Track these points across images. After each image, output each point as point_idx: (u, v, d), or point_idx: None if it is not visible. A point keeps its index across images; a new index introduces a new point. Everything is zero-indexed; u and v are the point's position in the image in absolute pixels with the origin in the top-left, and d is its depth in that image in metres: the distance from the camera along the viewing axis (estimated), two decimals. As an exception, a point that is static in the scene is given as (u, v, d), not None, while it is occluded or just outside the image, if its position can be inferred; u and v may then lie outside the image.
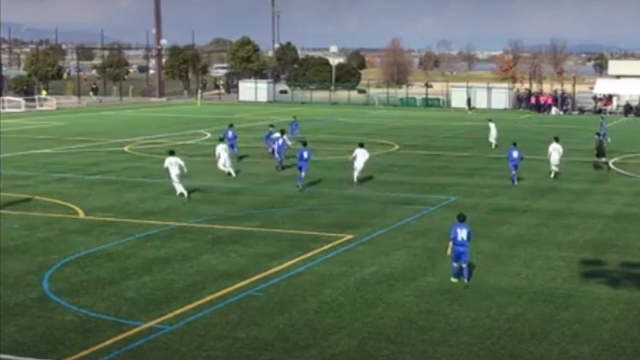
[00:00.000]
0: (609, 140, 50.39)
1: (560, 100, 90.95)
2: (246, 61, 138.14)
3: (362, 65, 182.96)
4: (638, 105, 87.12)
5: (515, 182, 35.88)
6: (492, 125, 50.83)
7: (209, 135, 57.46)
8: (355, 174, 35.62)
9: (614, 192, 34.40)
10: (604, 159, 41.64)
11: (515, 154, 36.17)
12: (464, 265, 20.05)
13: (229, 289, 19.43)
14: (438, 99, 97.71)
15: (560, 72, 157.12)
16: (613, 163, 43.42)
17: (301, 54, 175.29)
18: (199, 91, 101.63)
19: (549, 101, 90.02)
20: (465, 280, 20.02)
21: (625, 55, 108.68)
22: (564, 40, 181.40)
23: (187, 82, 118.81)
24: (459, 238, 19.93)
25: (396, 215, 28.78)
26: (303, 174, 34.19)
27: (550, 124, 69.11)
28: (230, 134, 45.12)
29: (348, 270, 21.38)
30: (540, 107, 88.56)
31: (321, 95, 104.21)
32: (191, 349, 15.65)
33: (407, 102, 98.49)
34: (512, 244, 24.59)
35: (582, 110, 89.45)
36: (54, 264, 21.67)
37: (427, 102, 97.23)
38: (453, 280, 20.20)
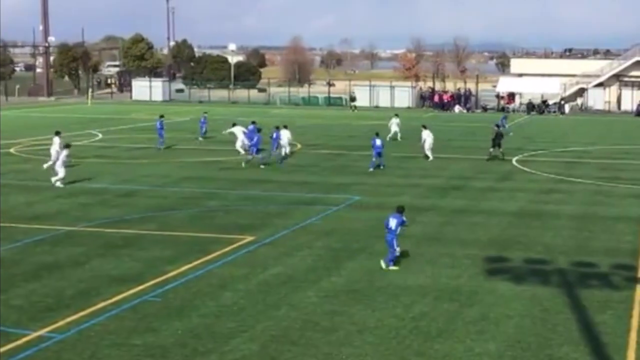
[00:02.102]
0: (510, 134, 56.21)
1: (464, 98, 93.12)
2: (140, 59, 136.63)
3: (262, 63, 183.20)
4: (540, 103, 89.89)
5: (371, 168, 40.41)
6: (394, 121, 54.81)
7: (100, 135, 56.52)
8: (284, 150, 43.59)
9: (518, 189, 35.35)
10: (500, 149, 44.69)
11: (378, 142, 40.83)
12: (391, 251, 21.66)
13: (124, 295, 19.13)
14: (341, 98, 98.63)
15: (463, 71, 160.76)
16: (516, 161, 44.70)
17: (198, 52, 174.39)
18: (90, 90, 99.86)
19: (452, 99, 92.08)
20: (386, 265, 21.67)
21: (527, 54, 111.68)
22: (466, 38, 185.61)
23: (77, 80, 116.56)
24: (389, 226, 21.62)
25: (299, 215, 28.88)
26: (250, 157, 41.05)
27: (454, 122, 70.56)
28: (158, 124, 48.27)
29: (250, 272, 21.33)
30: (444, 106, 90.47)
31: (220, 94, 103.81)
32: (84, 358, 15.33)
33: (309, 101, 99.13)
34: (416, 242, 24.92)
35: (485, 108, 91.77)
36: None
37: (330, 101, 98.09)
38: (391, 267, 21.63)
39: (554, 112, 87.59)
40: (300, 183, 36.33)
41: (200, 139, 53.51)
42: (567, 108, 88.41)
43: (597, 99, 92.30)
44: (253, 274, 21.14)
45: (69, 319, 17.33)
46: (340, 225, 27.19)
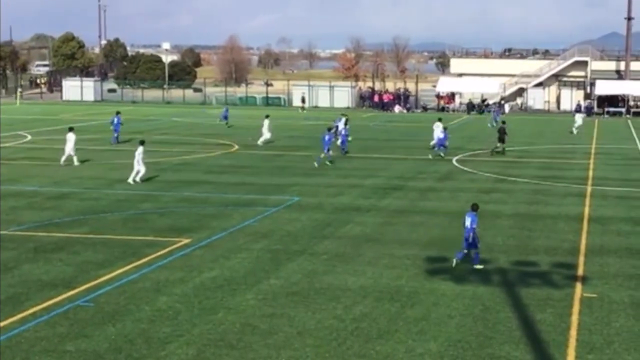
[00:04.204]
0: (492, 125, 60.00)
1: (404, 98, 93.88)
2: (70, 58, 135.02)
3: (198, 63, 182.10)
4: (480, 103, 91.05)
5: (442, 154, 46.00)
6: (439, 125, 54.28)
7: (29, 137, 55.63)
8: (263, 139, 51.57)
9: (458, 189, 35.75)
10: (504, 145, 48.29)
11: (441, 135, 47.08)
12: (465, 251, 22.15)
13: (55, 300, 18.86)
14: (279, 98, 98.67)
15: (403, 71, 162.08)
16: (457, 160, 45.23)
17: (131, 51, 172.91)
18: (18, 90, 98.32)
19: (392, 99, 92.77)
20: (476, 265, 22.08)
21: (467, 54, 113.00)
22: (406, 38, 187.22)
23: (5, 80, 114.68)
24: (465, 224, 22.28)
25: (237, 217, 28.80)
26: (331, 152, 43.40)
27: (394, 122, 71.01)
28: (115, 120, 51.90)
29: (186, 275, 21.20)
30: (384, 106, 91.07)
31: (154, 94, 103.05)
32: (13, 366, 15.10)
33: (247, 101, 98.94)
34: (356, 243, 25.08)
35: (425, 108, 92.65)
36: None
37: (268, 101, 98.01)
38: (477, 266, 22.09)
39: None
40: (238, 184, 36.22)
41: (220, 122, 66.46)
42: (506, 108, 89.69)
43: (537, 99, 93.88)
44: (189, 278, 21.01)
45: (-3, 326, 17.04)
46: (280, 227, 27.19)
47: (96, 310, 18.29)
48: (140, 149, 36.15)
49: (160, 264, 22.30)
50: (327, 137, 43.43)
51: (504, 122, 53.30)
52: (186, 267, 21.96)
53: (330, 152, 43.47)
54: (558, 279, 21.36)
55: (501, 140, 48.23)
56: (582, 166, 44.14)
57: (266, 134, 52.60)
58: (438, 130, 51.06)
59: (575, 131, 63.29)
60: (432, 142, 50.64)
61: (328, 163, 42.83)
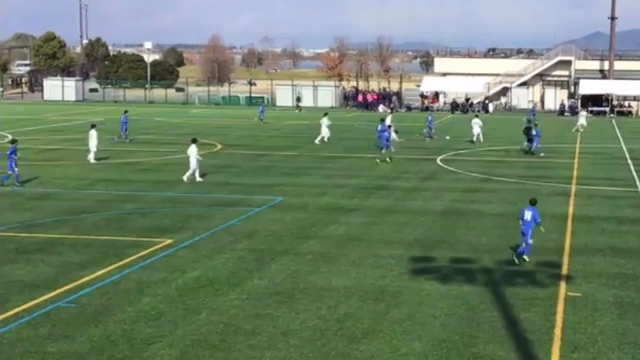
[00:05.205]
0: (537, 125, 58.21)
1: (388, 98, 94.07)
2: (52, 58, 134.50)
3: (180, 62, 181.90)
4: (464, 102, 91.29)
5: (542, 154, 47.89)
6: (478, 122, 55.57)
7: (10, 137, 55.30)
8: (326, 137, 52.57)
9: (443, 189, 35.82)
10: (531, 145, 48.89)
11: (534, 132, 48.49)
12: (524, 245, 22.88)
13: (37, 301, 18.79)
14: (263, 98, 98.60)
15: (387, 70, 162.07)
16: (441, 160, 45.32)
17: (113, 51, 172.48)
18: (0, 90, 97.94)
19: (377, 99, 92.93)
20: (525, 257, 22.94)
21: (451, 54, 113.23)
22: (390, 38, 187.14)
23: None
24: (525, 218, 22.93)
25: (220, 217, 28.76)
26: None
27: (378, 122, 70.87)
28: (123, 119, 53.52)
29: (169, 276, 21.16)
30: (368, 105, 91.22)
31: (136, 94, 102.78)
32: (-6, 368, 15.04)
33: (230, 101, 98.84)
34: (341, 243, 25.09)
35: (409, 108, 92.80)
36: None
37: (252, 101, 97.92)
38: (514, 259, 22.91)
39: (478, 111, 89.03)
40: (221, 184, 36.17)
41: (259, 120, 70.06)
42: (491, 107, 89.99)
43: (521, 98, 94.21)
44: (172, 278, 20.97)
45: (-22, 328, 16.95)
46: (264, 227, 27.18)
47: (78, 311, 18.24)
48: (194, 147, 36.41)
49: (143, 265, 22.26)
50: (386, 134, 45.04)
51: (529, 121, 55.44)
52: (169, 268, 21.92)
53: (392, 149, 44.94)
54: (543, 278, 21.46)
55: (530, 140, 49.04)
56: (567, 166, 44.33)
57: (325, 131, 53.48)
58: (477, 127, 54.05)
59: (581, 129, 65.42)
60: (474, 139, 53.80)
61: (388, 160, 44.06)
